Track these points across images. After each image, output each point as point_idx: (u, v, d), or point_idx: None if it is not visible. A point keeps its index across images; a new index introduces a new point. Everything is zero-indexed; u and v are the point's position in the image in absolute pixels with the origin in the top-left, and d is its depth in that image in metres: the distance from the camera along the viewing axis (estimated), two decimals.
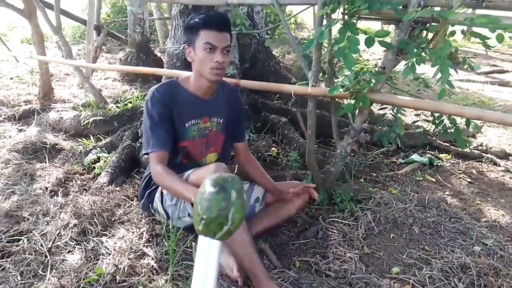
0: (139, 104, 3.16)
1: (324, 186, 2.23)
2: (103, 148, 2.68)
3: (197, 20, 1.67)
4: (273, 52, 4.43)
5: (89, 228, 1.89)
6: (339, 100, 2.17)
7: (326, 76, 2.03)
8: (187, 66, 2.61)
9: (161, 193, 1.86)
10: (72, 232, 1.86)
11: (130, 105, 3.15)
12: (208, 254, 0.98)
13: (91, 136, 2.99)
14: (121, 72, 4.65)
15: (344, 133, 2.04)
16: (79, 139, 2.95)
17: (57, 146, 2.80)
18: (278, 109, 3.31)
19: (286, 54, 2.60)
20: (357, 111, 1.94)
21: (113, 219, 1.99)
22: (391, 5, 1.60)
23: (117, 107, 3.23)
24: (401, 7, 1.63)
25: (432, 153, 3.11)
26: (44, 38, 3.90)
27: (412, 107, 1.71)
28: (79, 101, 3.65)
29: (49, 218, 1.98)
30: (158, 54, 5.26)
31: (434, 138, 3.17)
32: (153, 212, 1.94)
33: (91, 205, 2.04)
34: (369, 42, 1.65)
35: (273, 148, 2.82)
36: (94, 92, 3.34)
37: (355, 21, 1.71)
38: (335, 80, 1.95)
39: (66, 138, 3.04)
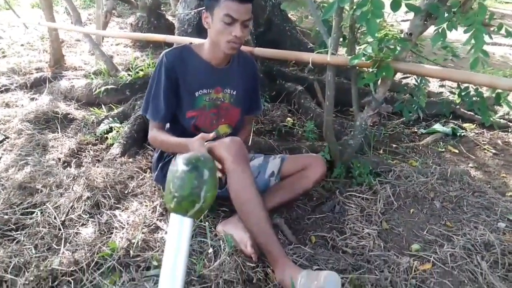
0: (150, 72, 3.07)
1: (341, 159, 2.15)
2: (115, 118, 2.63)
3: None
4: (289, 15, 4.23)
5: (102, 201, 1.87)
6: (360, 69, 2.04)
7: (347, 43, 1.89)
8: (199, 32, 2.50)
9: None
10: (85, 205, 1.84)
11: (141, 73, 3.06)
12: (179, 231, 0.99)
13: (103, 105, 2.94)
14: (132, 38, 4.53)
15: (364, 104, 1.93)
16: (91, 108, 2.90)
17: (69, 116, 2.76)
18: (294, 77, 3.18)
19: (303, 19, 2.44)
20: (379, 81, 1.82)
21: (126, 192, 1.96)
22: None
23: (129, 75, 3.15)
24: None
25: (456, 122, 2.97)
26: (53, 3, 3.79)
27: (439, 77, 1.59)
28: (91, 69, 3.58)
29: (62, 190, 1.96)
30: (170, 19, 5.10)
31: (458, 106, 3.02)
32: None
33: (104, 177, 2.02)
34: (395, 6, 1.52)
35: (288, 119, 2.73)
36: (105, 60, 3.26)
37: None
38: (357, 48, 1.82)
39: (78, 107, 2.99)
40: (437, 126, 2.86)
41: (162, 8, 5.10)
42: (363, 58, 1.68)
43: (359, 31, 1.86)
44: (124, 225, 1.73)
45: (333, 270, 1.56)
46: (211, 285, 1.46)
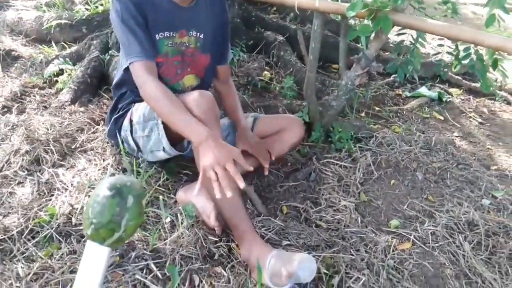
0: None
1: (321, 121, 1.94)
2: (67, 59, 2.28)
3: None
4: None
5: (44, 157, 1.61)
6: (351, 20, 1.78)
7: None
8: None
9: (130, 121, 1.55)
10: (23, 160, 1.58)
11: (101, 8, 2.68)
12: (94, 261, 0.93)
13: (54, 43, 2.57)
14: None
15: (353, 61, 1.70)
16: (40, 46, 2.53)
17: (13, 53, 2.39)
18: (274, 25, 2.87)
19: None
20: (372, 34, 1.58)
21: (73, 147, 1.70)
22: None
23: (86, 9, 2.75)
24: None
25: (442, 87, 2.80)
26: None
27: (444, 34, 1.37)
28: None
29: None
30: None
31: (445, 70, 2.83)
32: (120, 141, 1.64)
33: (48, 128, 1.74)
34: None
35: (265, 72, 2.47)
36: None
37: None
38: None
39: (26, 44, 2.61)
40: (423, 90, 2.68)
41: None
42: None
43: None
44: (67, 186, 1.48)
45: (305, 246, 1.40)
46: (165, 261, 1.27)
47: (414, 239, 1.50)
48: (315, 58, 1.75)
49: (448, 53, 1.80)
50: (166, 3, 1.43)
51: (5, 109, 1.95)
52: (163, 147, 1.46)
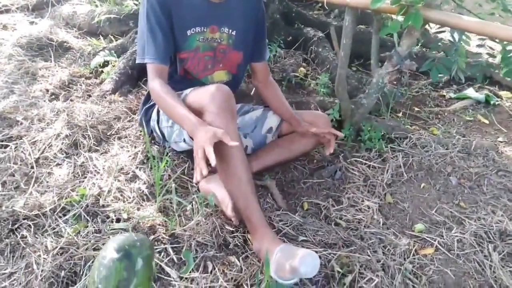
0: None
1: (352, 119, 1.90)
2: (113, 51, 2.41)
3: None
4: None
5: (81, 141, 1.72)
6: (384, 15, 1.73)
7: None
8: None
9: (158, 112, 1.62)
10: (63, 143, 1.69)
11: None
12: None
13: (103, 36, 2.72)
14: None
15: (385, 58, 1.65)
16: (91, 39, 2.69)
17: (65, 44, 2.56)
18: (315, 21, 2.84)
19: None
20: (405, 31, 1.53)
21: (108, 134, 1.80)
22: None
23: (135, 4, 2.88)
24: None
25: (491, 89, 2.63)
26: None
27: (479, 32, 1.29)
28: None
29: (44, 125, 1.82)
30: None
31: (496, 71, 2.65)
32: (151, 130, 1.72)
33: (87, 115, 1.85)
34: None
35: (301, 68, 2.45)
36: None
37: None
38: None
39: (79, 36, 2.78)
40: (470, 91, 2.53)
41: None
42: (388, 1, 1.38)
43: None
44: (99, 170, 1.58)
45: (322, 243, 1.39)
46: (182, 246, 1.32)
47: (438, 245, 1.44)
48: (346, 55, 1.72)
49: (489, 54, 1.68)
50: None
51: (53, 96, 2.10)
52: (184, 138, 1.52)
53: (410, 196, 1.67)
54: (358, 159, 1.83)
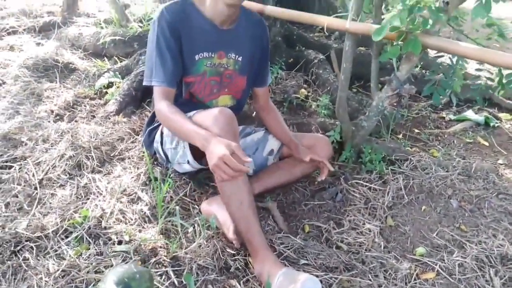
0: None
1: (352, 141, 1.92)
2: (117, 72, 2.46)
3: None
4: None
5: (85, 162, 1.74)
6: (383, 40, 1.77)
7: (372, 7, 1.62)
8: None
9: (161, 134, 1.64)
10: (66, 164, 1.71)
11: None
12: None
13: (108, 57, 2.78)
14: None
15: (384, 82, 1.68)
16: (96, 60, 2.74)
17: (70, 65, 2.61)
18: (316, 43, 2.89)
19: None
20: (403, 56, 1.56)
21: (112, 155, 1.82)
22: None
23: (140, 26, 2.95)
24: None
25: (491, 111, 2.65)
26: None
27: (476, 58, 1.32)
28: (104, 16, 3.39)
29: (48, 146, 1.84)
30: None
31: (495, 93, 2.68)
32: (154, 152, 1.74)
33: (91, 136, 1.88)
34: None
35: (302, 90, 2.49)
36: (116, 8, 3.06)
37: None
38: (382, 16, 1.55)
39: (84, 57, 2.84)
40: (469, 113, 2.56)
41: None
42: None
43: None
44: (101, 191, 1.59)
45: (323, 266, 1.39)
46: (183, 269, 1.32)
47: (440, 269, 1.44)
48: (346, 78, 1.75)
49: (488, 78, 1.72)
50: (206, 24, 1.50)
51: (58, 117, 2.13)
52: (188, 160, 1.53)
53: (411, 219, 1.68)
54: (359, 181, 1.84)
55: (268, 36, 1.70)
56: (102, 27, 3.05)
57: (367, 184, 1.83)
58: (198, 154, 1.51)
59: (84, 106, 2.28)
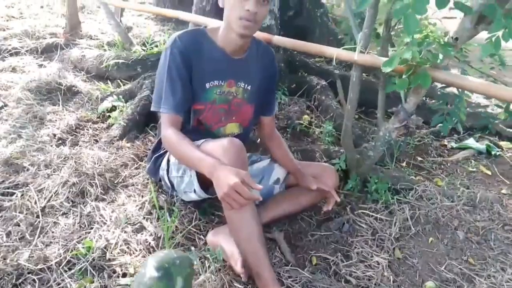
0: None
1: (358, 170, 1.92)
2: (120, 96, 2.45)
3: None
4: (323, 0, 3.93)
5: (89, 189, 1.71)
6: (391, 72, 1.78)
7: (380, 40, 1.64)
8: (216, 12, 2.26)
9: (168, 161, 1.62)
10: (69, 192, 1.68)
11: (156, 50, 2.87)
12: None
13: (111, 80, 2.78)
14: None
15: (391, 112, 1.69)
16: (98, 83, 2.74)
17: (73, 88, 2.60)
18: (318, 69, 2.92)
19: (335, 6, 2.17)
20: (411, 88, 1.57)
21: (116, 182, 1.80)
22: None
23: (143, 49, 2.96)
24: None
25: (492, 139, 2.67)
26: None
27: (485, 93, 1.34)
28: (106, 39, 3.41)
29: (50, 171, 1.82)
30: None
31: (496, 121, 2.71)
32: (159, 179, 1.72)
33: (95, 162, 1.85)
34: (440, 2, 1.26)
35: (305, 116, 2.49)
36: (120, 31, 3.08)
37: None
38: (390, 49, 1.56)
39: (87, 80, 2.84)
40: (470, 142, 2.57)
41: None
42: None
43: (396, 27, 1.60)
44: (105, 220, 1.56)
45: None
46: None
47: None
48: (353, 108, 1.76)
49: (497, 105, 1.74)
50: (218, 53, 1.51)
51: (60, 141, 2.11)
52: (194, 189, 1.51)
53: (419, 251, 1.66)
54: (365, 211, 1.83)
55: (276, 65, 1.71)
56: (105, 50, 3.06)
57: (373, 214, 1.82)
58: (205, 183, 1.49)
59: (87, 130, 2.26)
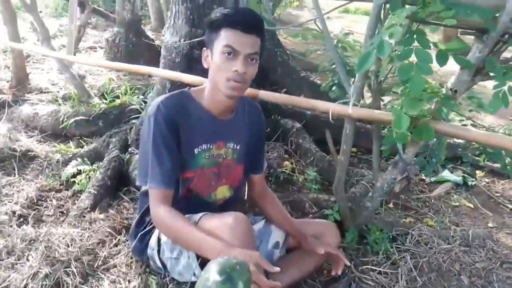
0: (128, 100, 2.70)
1: (355, 220, 1.85)
2: (85, 158, 2.23)
3: (218, 15, 1.27)
4: (280, 39, 3.96)
5: (65, 280, 1.48)
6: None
7: (371, 91, 1.61)
8: (188, 63, 2.15)
9: (158, 239, 1.45)
10: (42, 286, 1.44)
11: (118, 102, 2.69)
12: None
13: (71, 140, 2.54)
14: (108, 54, 4.14)
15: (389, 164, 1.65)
16: (56, 143, 2.49)
17: (29, 153, 2.33)
18: (290, 111, 2.87)
19: (310, 53, 2.14)
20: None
21: (95, 266, 1.58)
22: (480, 13, 1.17)
23: (103, 102, 2.76)
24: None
25: (464, 169, 2.74)
26: (18, 16, 3.35)
27: (487, 144, 1.33)
28: (59, 91, 3.15)
29: (15, 259, 1.57)
30: (150, 35, 4.73)
31: (466, 152, 2.79)
32: (147, 258, 1.53)
33: (68, 245, 1.63)
34: (442, 59, 1.24)
35: (286, 162, 2.41)
36: (76, 84, 2.86)
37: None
38: (383, 100, 1.53)
39: (42, 140, 2.57)
40: (446, 174, 2.62)
41: (142, 22, 4.70)
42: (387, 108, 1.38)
43: (388, 77, 1.58)
44: None
45: None
46: None
47: None
48: (346, 159, 1.70)
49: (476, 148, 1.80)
50: (204, 115, 1.40)
51: (21, 219, 1.85)
52: (194, 273, 1.35)
53: None
54: (368, 266, 1.75)
55: (263, 121, 1.62)
56: (59, 104, 2.81)
57: (377, 268, 1.74)
58: (206, 262, 1.33)
59: (50, 201, 2.02)
